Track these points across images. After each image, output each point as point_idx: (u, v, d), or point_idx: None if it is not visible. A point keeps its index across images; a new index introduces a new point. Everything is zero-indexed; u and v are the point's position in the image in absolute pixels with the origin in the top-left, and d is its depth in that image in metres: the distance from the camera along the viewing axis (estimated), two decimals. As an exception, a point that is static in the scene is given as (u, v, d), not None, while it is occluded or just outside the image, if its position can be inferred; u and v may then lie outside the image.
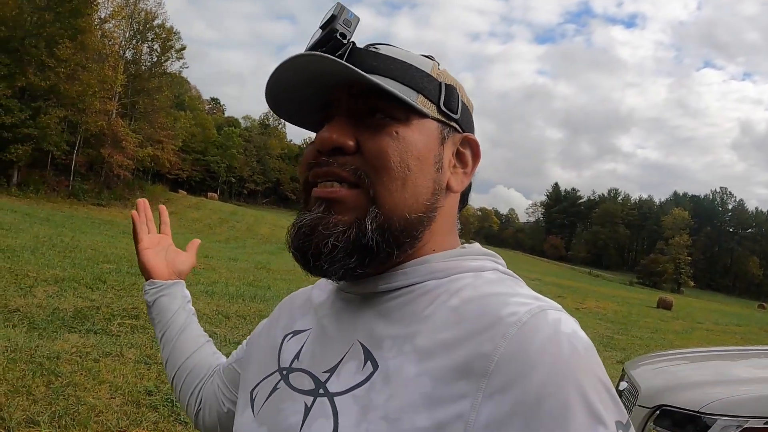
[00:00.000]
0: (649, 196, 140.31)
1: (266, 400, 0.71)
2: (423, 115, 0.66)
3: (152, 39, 49.87)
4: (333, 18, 0.65)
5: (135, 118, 47.80)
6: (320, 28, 0.67)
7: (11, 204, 26.44)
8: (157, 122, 48.40)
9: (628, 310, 21.75)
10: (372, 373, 0.60)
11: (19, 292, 7.39)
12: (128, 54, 48.39)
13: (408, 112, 0.65)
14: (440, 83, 0.69)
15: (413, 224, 0.65)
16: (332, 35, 0.64)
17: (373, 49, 0.67)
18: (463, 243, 0.73)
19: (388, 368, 0.59)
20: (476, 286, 0.62)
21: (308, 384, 0.66)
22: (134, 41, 48.74)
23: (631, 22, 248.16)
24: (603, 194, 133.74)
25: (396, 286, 0.66)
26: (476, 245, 0.72)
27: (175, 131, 51.80)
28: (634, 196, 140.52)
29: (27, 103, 36.46)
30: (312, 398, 0.64)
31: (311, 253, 0.63)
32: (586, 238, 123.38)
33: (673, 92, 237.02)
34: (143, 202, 1.14)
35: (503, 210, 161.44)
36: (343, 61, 0.61)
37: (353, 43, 0.66)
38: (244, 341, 0.94)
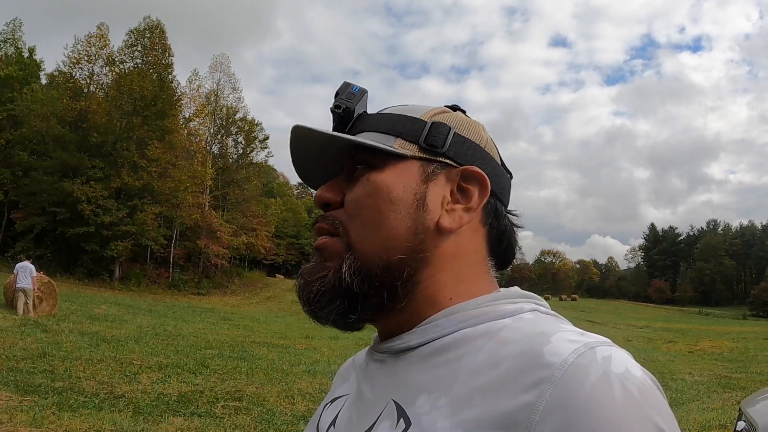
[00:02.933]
0: (750, 221, 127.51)
1: None
2: (400, 157, 0.65)
3: (236, 132, 52.28)
4: (337, 94, 0.70)
5: (227, 209, 49.54)
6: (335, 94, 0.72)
7: (114, 297, 27.75)
8: (248, 211, 49.95)
9: (745, 346, 20.66)
10: (405, 430, 0.56)
11: (124, 378, 7.82)
12: (215, 148, 51.00)
13: (384, 158, 0.65)
14: (425, 123, 0.67)
15: (395, 267, 0.63)
16: (335, 109, 0.69)
17: (371, 113, 0.71)
18: (499, 289, 0.68)
19: (421, 424, 0.55)
20: (515, 328, 0.58)
21: None
22: (219, 136, 51.34)
23: (697, 46, 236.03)
24: (702, 228, 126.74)
25: (427, 339, 0.62)
26: (514, 288, 0.67)
27: (267, 218, 53.01)
28: (734, 224, 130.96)
29: (124, 202, 38.65)
30: None
31: (304, 299, 0.65)
32: (691, 277, 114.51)
33: (755, 108, 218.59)
34: None
35: (602, 259, 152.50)
36: (313, 127, 0.65)
37: (357, 112, 0.70)
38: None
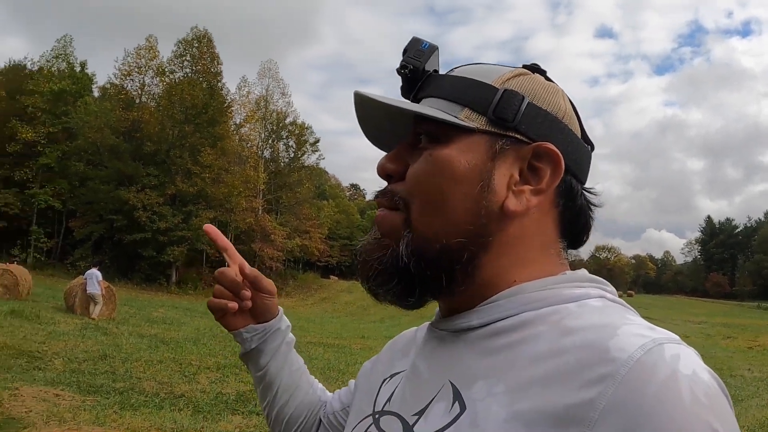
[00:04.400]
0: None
1: None
2: (466, 130, 0.61)
3: (287, 136, 52.61)
4: (404, 52, 0.66)
5: (280, 212, 49.91)
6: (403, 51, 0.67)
7: (172, 301, 28.67)
8: (301, 213, 50.21)
9: (809, 340, 20.21)
10: (459, 415, 0.55)
11: (183, 379, 8.07)
12: (266, 153, 51.59)
13: (449, 130, 0.61)
14: (496, 90, 0.62)
15: (453, 250, 0.59)
16: (401, 69, 0.65)
17: (440, 73, 0.67)
18: (565, 271, 0.64)
19: (476, 410, 0.53)
20: (579, 315, 0.55)
21: (396, 427, 0.62)
22: (270, 140, 51.84)
23: (746, 30, 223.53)
24: (760, 219, 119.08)
25: (488, 321, 0.59)
26: (582, 271, 0.64)
27: (320, 220, 53.18)
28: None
29: (179, 208, 39.28)
30: None
31: (363, 276, 0.64)
32: (750, 270, 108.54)
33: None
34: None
35: (657, 254, 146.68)
36: (372, 95, 0.62)
37: (426, 71, 0.65)
38: (352, 382, 0.91)
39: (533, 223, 0.62)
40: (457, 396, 0.56)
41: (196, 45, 43.71)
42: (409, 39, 0.66)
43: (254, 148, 49.29)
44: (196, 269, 41.93)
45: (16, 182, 40.89)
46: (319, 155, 55.33)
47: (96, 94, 48.05)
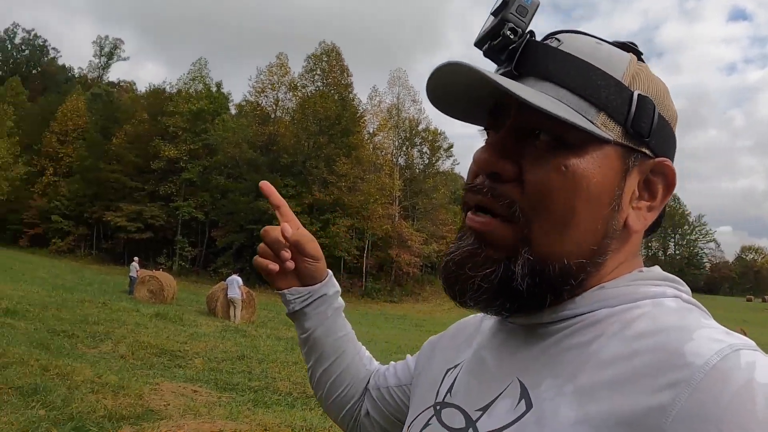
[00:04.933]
0: None
1: None
2: (603, 141, 0.54)
3: (420, 143, 52.90)
4: (504, 5, 0.55)
5: (416, 218, 50.23)
6: (492, 14, 0.57)
7: None
8: (437, 219, 50.20)
9: None
10: (524, 413, 0.53)
11: None
12: (401, 160, 52.17)
13: (584, 138, 0.54)
14: (631, 94, 0.55)
15: (573, 271, 0.55)
16: (501, 30, 0.55)
17: (554, 43, 0.57)
18: (640, 267, 0.61)
19: (543, 410, 0.52)
20: (654, 316, 0.52)
21: (459, 421, 0.60)
22: (404, 147, 52.39)
23: None
24: None
25: (563, 317, 0.57)
26: (656, 268, 0.61)
27: (456, 225, 51.96)
28: None
29: (316, 217, 40.97)
30: None
31: (458, 289, 0.57)
32: None
33: None
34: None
35: None
36: (496, 77, 0.50)
37: (529, 35, 0.56)
38: (410, 358, 0.89)
39: (638, 238, 0.59)
40: (524, 393, 0.54)
41: (326, 59, 45.70)
42: None
43: (388, 155, 50.00)
44: (335, 275, 43.15)
45: (162, 196, 45.85)
46: (454, 160, 55.03)
47: (233, 111, 52.16)
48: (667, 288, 0.57)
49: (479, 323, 0.73)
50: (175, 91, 50.91)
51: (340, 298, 0.92)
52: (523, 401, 0.54)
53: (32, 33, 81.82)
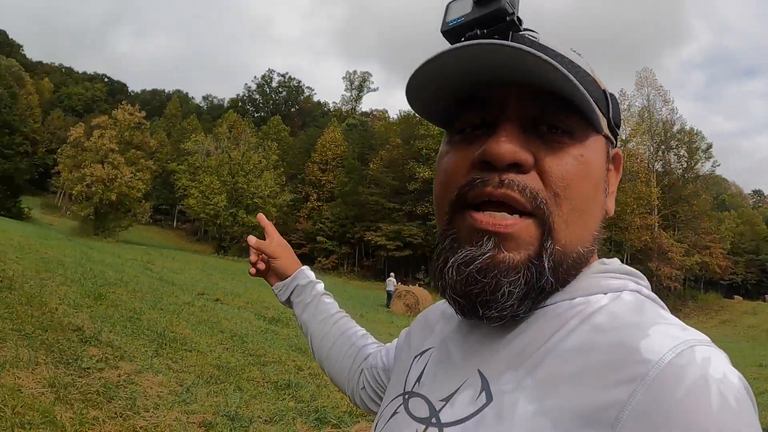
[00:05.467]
0: None
1: (386, 424, 0.68)
2: (598, 132, 0.57)
3: (676, 146, 49.00)
4: None
5: (677, 227, 46.53)
6: (474, 2, 0.55)
7: None
8: (700, 228, 46.28)
9: None
10: (484, 406, 0.54)
11: None
12: (657, 166, 48.63)
13: (585, 129, 0.56)
14: (604, 91, 0.61)
15: (582, 259, 0.57)
16: (500, 15, 0.54)
17: (534, 38, 0.57)
18: (601, 259, 0.62)
19: (502, 403, 0.52)
20: (612, 312, 0.53)
21: (423, 411, 0.61)
22: (660, 152, 48.81)
23: None
24: None
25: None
26: (615, 261, 0.61)
27: (720, 234, 48.01)
28: None
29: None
30: (424, 427, 0.59)
31: (481, 301, 0.54)
32: None
33: None
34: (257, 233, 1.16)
35: None
36: (557, 64, 0.49)
37: (516, 23, 0.55)
38: (392, 345, 0.96)
39: None
40: (485, 386, 0.55)
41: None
42: None
43: (644, 162, 47.08)
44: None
45: (419, 215, 48.21)
46: (714, 162, 50.18)
47: None
48: (627, 281, 0.57)
49: (442, 309, 0.73)
50: (427, 114, 54.82)
51: (319, 287, 1.07)
52: (483, 393, 0.54)
53: (287, 76, 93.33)
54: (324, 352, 1.04)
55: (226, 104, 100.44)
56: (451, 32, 0.56)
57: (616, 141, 0.62)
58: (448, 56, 0.51)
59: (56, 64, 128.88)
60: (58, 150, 49.42)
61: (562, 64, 0.54)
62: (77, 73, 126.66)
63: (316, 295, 1.08)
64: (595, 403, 0.46)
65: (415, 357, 0.72)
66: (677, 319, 0.52)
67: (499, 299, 0.53)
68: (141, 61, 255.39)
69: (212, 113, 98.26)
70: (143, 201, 44.55)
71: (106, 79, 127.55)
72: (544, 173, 0.54)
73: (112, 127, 44.54)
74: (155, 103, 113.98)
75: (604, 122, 0.58)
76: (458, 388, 0.58)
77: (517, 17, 0.54)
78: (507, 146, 0.52)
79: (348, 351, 1.02)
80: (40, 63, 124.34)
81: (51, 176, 65.52)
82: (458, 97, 0.58)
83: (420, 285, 28.50)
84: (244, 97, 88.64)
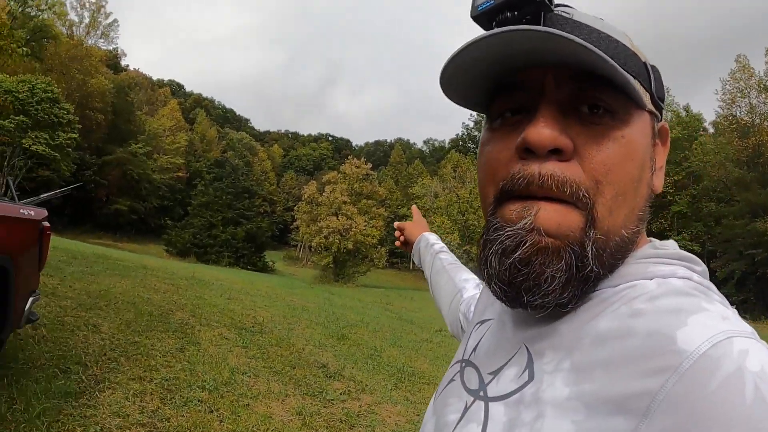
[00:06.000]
0: None
1: (443, 389, 0.69)
2: (641, 108, 0.56)
3: None
4: None
5: None
6: None
7: None
8: None
9: None
10: (526, 384, 0.54)
11: None
12: None
13: (628, 106, 0.54)
14: (644, 62, 0.58)
15: (628, 242, 0.56)
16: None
17: (568, 15, 0.55)
18: (652, 242, 0.60)
19: (542, 382, 0.52)
20: (654, 297, 0.51)
21: (474, 383, 0.62)
22: None
23: None
24: None
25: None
26: (671, 244, 0.59)
27: None
28: None
29: None
30: (472, 399, 0.60)
31: (525, 288, 0.54)
32: None
33: None
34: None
35: None
36: (590, 46, 0.48)
37: (550, 3, 0.54)
38: (476, 295, 1.08)
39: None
40: (530, 363, 0.55)
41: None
42: None
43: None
44: None
45: (653, 233, 43.17)
46: None
47: (710, 130, 50.14)
48: (677, 268, 0.55)
49: None
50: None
51: (436, 247, 1.30)
52: (527, 372, 0.54)
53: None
54: (436, 295, 1.22)
55: (447, 145, 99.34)
56: (481, 17, 0.55)
57: (662, 114, 0.60)
58: (476, 46, 0.50)
59: (282, 131, 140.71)
60: (295, 207, 52.61)
61: (599, 40, 0.53)
62: (303, 135, 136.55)
63: (433, 253, 1.28)
64: (627, 390, 0.45)
65: (476, 325, 0.73)
66: (723, 308, 0.49)
67: (542, 285, 0.53)
68: (360, 116, 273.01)
69: (435, 156, 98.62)
70: (379, 246, 45.51)
71: (330, 138, 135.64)
72: (584, 160, 0.53)
73: (342, 181, 46.46)
74: (379, 153, 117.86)
75: (647, 97, 0.56)
76: (506, 363, 0.58)
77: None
78: (546, 132, 0.51)
79: (451, 298, 1.15)
80: (267, 132, 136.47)
81: (290, 231, 69.23)
82: (495, 82, 0.57)
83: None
84: (464, 136, 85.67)
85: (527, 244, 0.52)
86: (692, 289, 0.52)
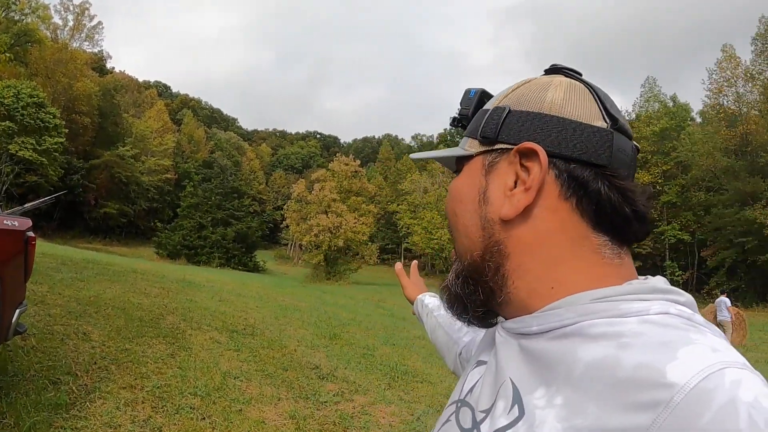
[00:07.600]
0: None
1: (439, 430, 0.71)
2: (468, 158, 0.68)
3: None
4: (460, 103, 0.74)
5: None
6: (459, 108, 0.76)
7: None
8: None
9: None
10: (517, 419, 0.55)
11: None
12: None
13: (461, 162, 0.69)
14: (487, 111, 0.67)
15: (478, 264, 0.64)
16: (454, 124, 0.75)
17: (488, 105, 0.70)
18: (646, 277, 0.61)
19: (534, 419, 0.53)
20: (639, 333, 0.51)
21: (468, 422, 0.63)
22: None
23: None
24: None
25: (548, 328, 0.58)
26: (653, 281, 0.59)
27: None
28: None
29: None
30: None
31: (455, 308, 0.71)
32: None
33: None
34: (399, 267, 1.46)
35: None
36: (434, 154, 0.75)
37: (471, 114, 0.72)
38: (474, 338, 1.11)
39: (545, 222, 0.60)
40: (517, 398, 0.56)
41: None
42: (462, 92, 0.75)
43: None
44: None
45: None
46: None
47: (698, 120, 50.42)
48: (655, 303, 0.54)
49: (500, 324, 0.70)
50: (633, 117, 50.49)
51: (431, 306, 1.32)
52: (516, 406, 0.55)
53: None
54: (441, 352, 1.25)
55: (435, 140, 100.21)
56: (452, 122, 0.76)
57: (517, 138, 0.63)
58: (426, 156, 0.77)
59: (270, 130, 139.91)
60: (284, 206, 52.53)
61: (475, 120, 0.69)
62: (291, 134, 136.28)
63: (428, 313, 1.32)
64: (618, 426, 0.45)
65: (473, 366, 0.74)
66: (712, 340, 0.49)
67: (448, 306, 0.70)
68: (347, 113, 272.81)
69: (423, 150, 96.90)
70: (369, 243, 45.59)
71: (318, 136, 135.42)
72: None
73: (331, 178, 46.72)
74: (368, 150, 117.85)
75: (474, 144, 0.67)
76: (495, 399, 0.59)
77: (454, 118, 0.74)
78: None
79: (450, 347, 1.19)
80: (255, 131, 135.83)
81: (281, 230, 69.51)
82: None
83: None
84: (452, 130, 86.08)
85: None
86: (674, 322, 0.52)
